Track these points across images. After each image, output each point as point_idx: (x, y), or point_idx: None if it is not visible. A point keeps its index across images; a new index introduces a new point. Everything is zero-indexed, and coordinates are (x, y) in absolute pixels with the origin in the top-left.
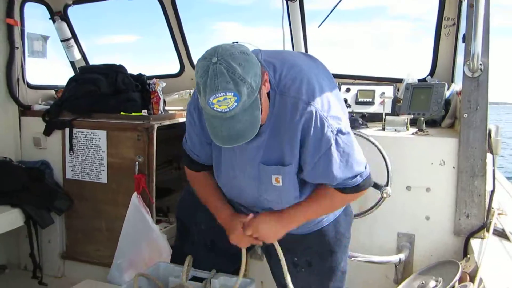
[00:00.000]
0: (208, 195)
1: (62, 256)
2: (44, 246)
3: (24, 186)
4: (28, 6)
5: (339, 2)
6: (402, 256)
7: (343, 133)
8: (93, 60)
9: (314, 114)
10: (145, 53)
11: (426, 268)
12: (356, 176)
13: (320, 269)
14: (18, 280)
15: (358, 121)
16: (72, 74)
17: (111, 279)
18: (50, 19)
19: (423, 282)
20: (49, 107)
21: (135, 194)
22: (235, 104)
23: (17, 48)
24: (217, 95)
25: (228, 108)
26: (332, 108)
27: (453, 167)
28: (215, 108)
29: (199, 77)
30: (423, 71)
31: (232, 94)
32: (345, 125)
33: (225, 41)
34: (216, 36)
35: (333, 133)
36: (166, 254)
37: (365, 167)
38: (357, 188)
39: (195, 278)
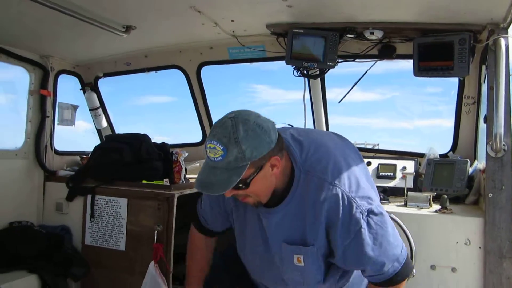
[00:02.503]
0: (194, 263)
1: None
2: None
3: (42, 252)
4: (62, 78)
5: (360, 79)
6: None
7: (375, 214)
8: (132, 119)
9: (340, 196)
10: (178, 112)
11: None
12: (393, 261)
13: None
14: None
15: (380, 195)
16: (98, 141)
17: None
18: (80, 89)
19: None
20: (73, 173)
21: (152, 263)
22: (220, 158)
23: (48, 117)
24: (211, 142)
25: (214, 158)
26: (361, 188)
27: (479, 247)
28: (207, 152)
29: (215, 122)
30: (445, 147)
31: (221, 148)
32: (377, 205)
33: (255, 103)
34: (249, 97)
35: (363, 215)
36: None
37: (401, 250)
38: (396, 278)
39: None
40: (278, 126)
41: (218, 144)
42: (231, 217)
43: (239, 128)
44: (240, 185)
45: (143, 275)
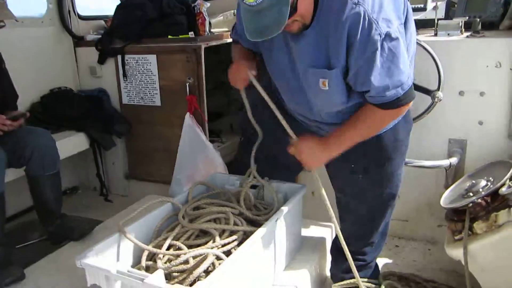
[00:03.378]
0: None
1: (125, 176)
2: (109, 168)
3: (86, 113)
4: None
5: None
6: (453, 160)
7: (391, 38)
8: None
9: (362, 15)
10: None
11: (476, 170)
12: (396, 87)
13: (376, 175)
14: (89, 199)
15: None
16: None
17: (171, 193)
18: None
19: (473, 182)
20: (100, 36)
21: (188, 114)
22: None
23: None
24: None
25: (255, 1)
26: (383, 9)
27: (510, 69)
28: (244, 1)
29: None
30: None
31: None
32: (395, 29)
33: None
34: None
35: (380, 37)
36: (221, 169)
37: (408, 78)
38: (397, 102)
39: (251, 186)
40: None
41: None
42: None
43: None
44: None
45: (181, 127)
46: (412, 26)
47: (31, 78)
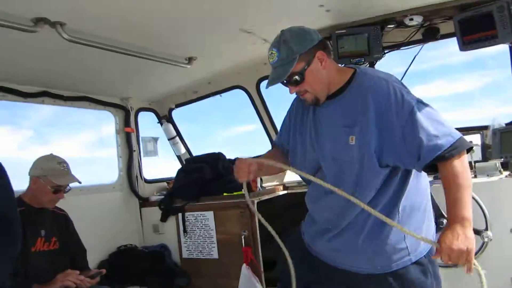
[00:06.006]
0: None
1: None
2: None
3: (148, 268)
4: (141, 115)
5: (409, 66)
6: None
7: (424, 104)
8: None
9: (391, 87)
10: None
11: None
12: (446, 135)
13: None
14: None
15: None
16: (179, 166)
17: None
18: (158, 122)
19: None
20: (163, 197)
21: (244, 265)
22: (276, 58)
23: (134, 151)
24: (270, 49)
25: (273, 61)
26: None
27: None
28: (269, 60)
29: None
30: (509, 116)
31: (275, 50)
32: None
33: None
34: None
35: (413, 100)
36: None
37: (454, 131)
38: (455, 148)
39: None
40: None
41: (273, 49)
42: (294, 131)
43: (285, 33)
44: (296, 77)
45: (238, 278)
46: None
47: (101, 238)
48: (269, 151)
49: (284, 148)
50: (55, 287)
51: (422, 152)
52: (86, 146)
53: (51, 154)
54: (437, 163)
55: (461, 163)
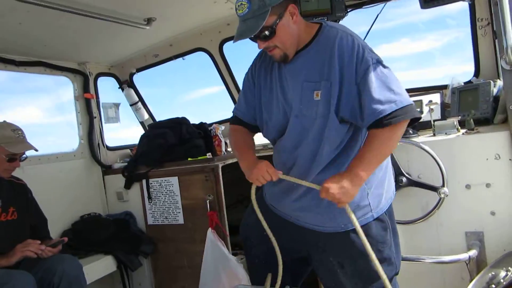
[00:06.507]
0: (240, 144)
1: None
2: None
3: (113, 236)
4: (100, 80)
5: (372, 25)
6: (472, 253)
7: (383, 65)
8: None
9: (356, 43)
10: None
11: (495, 261)
12: (390, 102)
13: (352, 271)
14: None
15: (409, 131)
16: (142, 132)
17: None
18: (119, 88)
19: (493, 273)
20: (126, 164)
21: (209, 229)
22: (246, 10)
23: (95, 117)
24: (238, 1)
25: (242, 12)
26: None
27: (510, 159)
28: (237, 12)
29: None
30: (468, 74)
31: (246, 1)
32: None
33: None
34: None
35: (372, 59)
36: (244, 281)
37: (403, 99)
38: (396, 116)
39: None
40: None
41: (243, 0)
42: (258, 92)
43: None
44: (267, 32)
45: (204, 242)
46: None
47: (64, 208)
48: (239, 136)
49: (251, 123)
50: (15, 257)
51: (364, 114)
52: (44, 113)
53: (4, 121)
54: (375, 128)
55: (392, 134)
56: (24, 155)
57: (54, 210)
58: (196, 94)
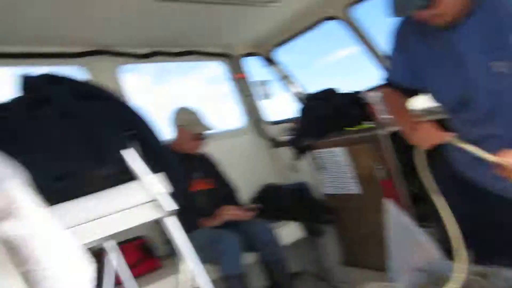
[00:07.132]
0: (397, 107)
1: (342, 263)
2: (325, 255)
3: (296, 204)
4: (247, 60)
5: None
6: None
7: None
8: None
9: None
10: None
11: None
12: None
13: None
14: (312, 284)
15: None
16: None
17: (390, 280)
18: (264, 65)
19: None
20: (291, 137)
21: (387, 200)
22: None
23: (248, 96)
24: None
25: None
26: None
27: None
28: None
29: None
30: None
31: None
32: None
33: None
34: None
35: None
36: (435, 254)
37: None
38: None
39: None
40: None
41: None
42: (419, 64)
43: None
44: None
45: (380, 211)
46: None
47: (243, 179)
48: (390, 98)
49: (403, 85)
50: (217, 221)
51: None
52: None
53: (182, 107)
54: None
55: None
56: (206, 134)
57: (235, 181)
58: (332, 57)
